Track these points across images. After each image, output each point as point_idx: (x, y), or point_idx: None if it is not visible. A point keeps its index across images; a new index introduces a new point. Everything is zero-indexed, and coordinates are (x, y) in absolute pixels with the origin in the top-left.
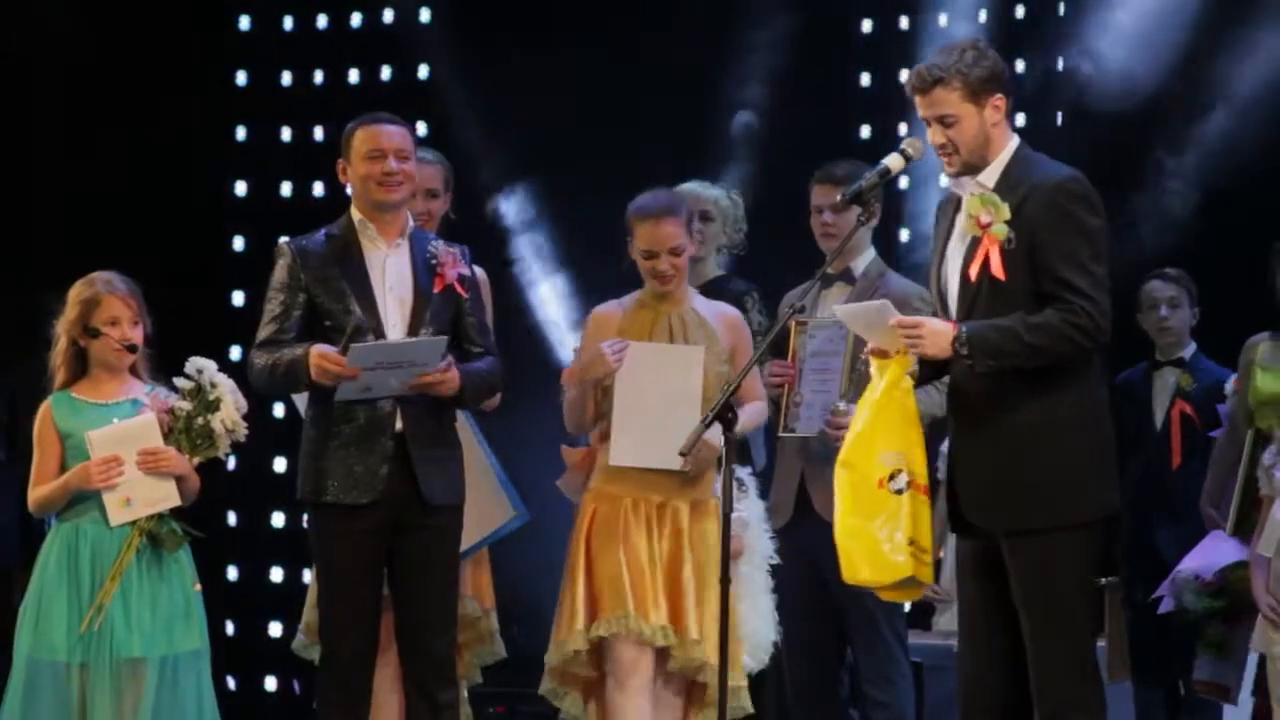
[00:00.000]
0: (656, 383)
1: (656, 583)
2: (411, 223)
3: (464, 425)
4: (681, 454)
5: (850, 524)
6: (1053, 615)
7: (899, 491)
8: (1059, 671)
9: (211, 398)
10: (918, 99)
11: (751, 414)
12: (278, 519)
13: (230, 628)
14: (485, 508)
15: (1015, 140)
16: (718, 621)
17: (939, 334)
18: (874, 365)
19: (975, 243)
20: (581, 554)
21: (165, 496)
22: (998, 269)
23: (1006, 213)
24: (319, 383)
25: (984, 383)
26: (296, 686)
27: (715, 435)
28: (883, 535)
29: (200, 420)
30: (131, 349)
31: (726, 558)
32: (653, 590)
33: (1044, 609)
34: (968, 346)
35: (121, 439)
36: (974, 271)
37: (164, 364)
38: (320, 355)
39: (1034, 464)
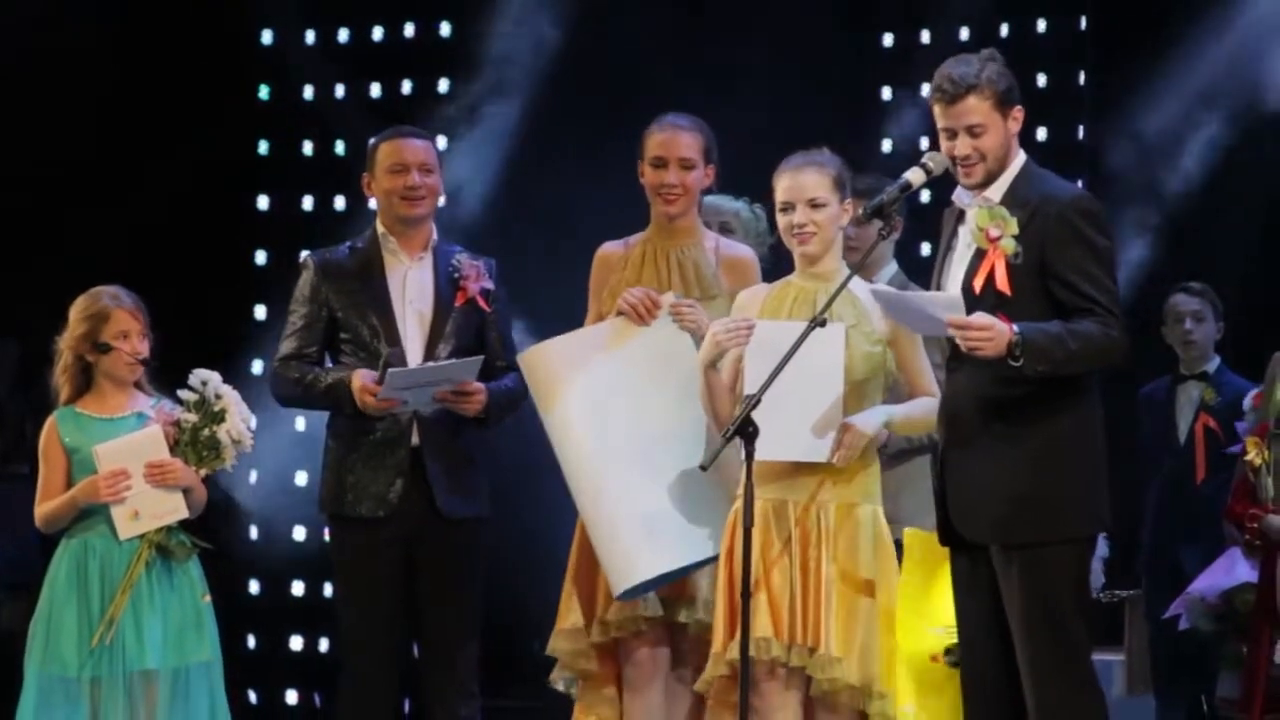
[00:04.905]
0: (791, 365)
1: (795, 596)
2: (435, 236)
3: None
4: (702, 467)
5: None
6: (1046, 629)
7: (955, 665)
8: (1054, 686)
9: (216, 409)
10: (941, 109)
11: (917, 408)
12: (299, 532)
13: (251, 641)
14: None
15: (1023, 156)
16: (864, 638)
17: (1002, 335)
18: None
19: (980, 255)
20: (725, 574)
21: (173, 509)
22: (1003, 283)
23: (1015, 227)
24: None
25: (981, 394)
26: (318, 700)
27: (869, 422)
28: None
29: (206, 432)
30: (143, 362)
31: (748, 574)
32: (788, 604)
33: (1037, 623)
34: (1021, 348)
35: (128, 453)
36: (978, 284)
37: (186, 378)
38: (364, 389)
39: (1031, 478)
